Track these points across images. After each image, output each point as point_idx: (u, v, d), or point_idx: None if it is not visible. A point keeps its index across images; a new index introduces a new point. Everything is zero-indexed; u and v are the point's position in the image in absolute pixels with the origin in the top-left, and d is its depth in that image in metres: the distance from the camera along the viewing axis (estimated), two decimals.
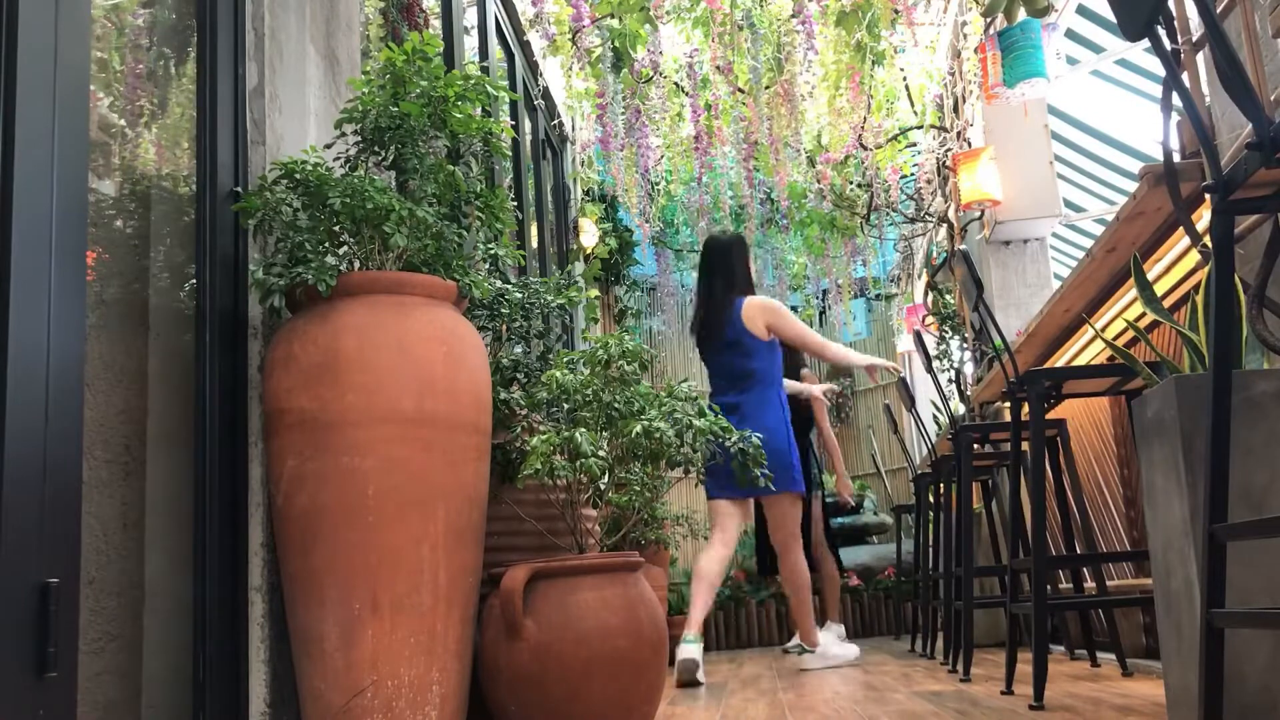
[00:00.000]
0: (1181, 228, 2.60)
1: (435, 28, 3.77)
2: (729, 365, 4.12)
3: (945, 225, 6.17)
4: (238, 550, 1.94)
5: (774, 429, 4.00)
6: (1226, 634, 1.41)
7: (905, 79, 5.99)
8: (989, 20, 4.82)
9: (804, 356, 5.24)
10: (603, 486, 2.46)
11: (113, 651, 1.67)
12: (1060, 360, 3.82)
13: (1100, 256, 2.89)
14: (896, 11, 5.20)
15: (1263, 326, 1.67)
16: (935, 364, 5.25)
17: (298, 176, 2.03)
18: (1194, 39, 2.49)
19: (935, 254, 6.78)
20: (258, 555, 1.96)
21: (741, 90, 5.70)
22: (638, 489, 2.44)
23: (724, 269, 4.25)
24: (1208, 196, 1.39)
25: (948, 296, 6.00)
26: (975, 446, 3.49)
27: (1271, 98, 2.21)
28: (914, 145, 6.65)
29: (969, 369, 5.72)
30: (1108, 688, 2.65)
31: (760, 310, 4.14)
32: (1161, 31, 1.40)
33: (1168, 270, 2.87)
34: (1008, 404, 4.44)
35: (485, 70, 4.47)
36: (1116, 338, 3.34)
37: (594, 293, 6.88)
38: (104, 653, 1.64)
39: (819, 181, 6.63)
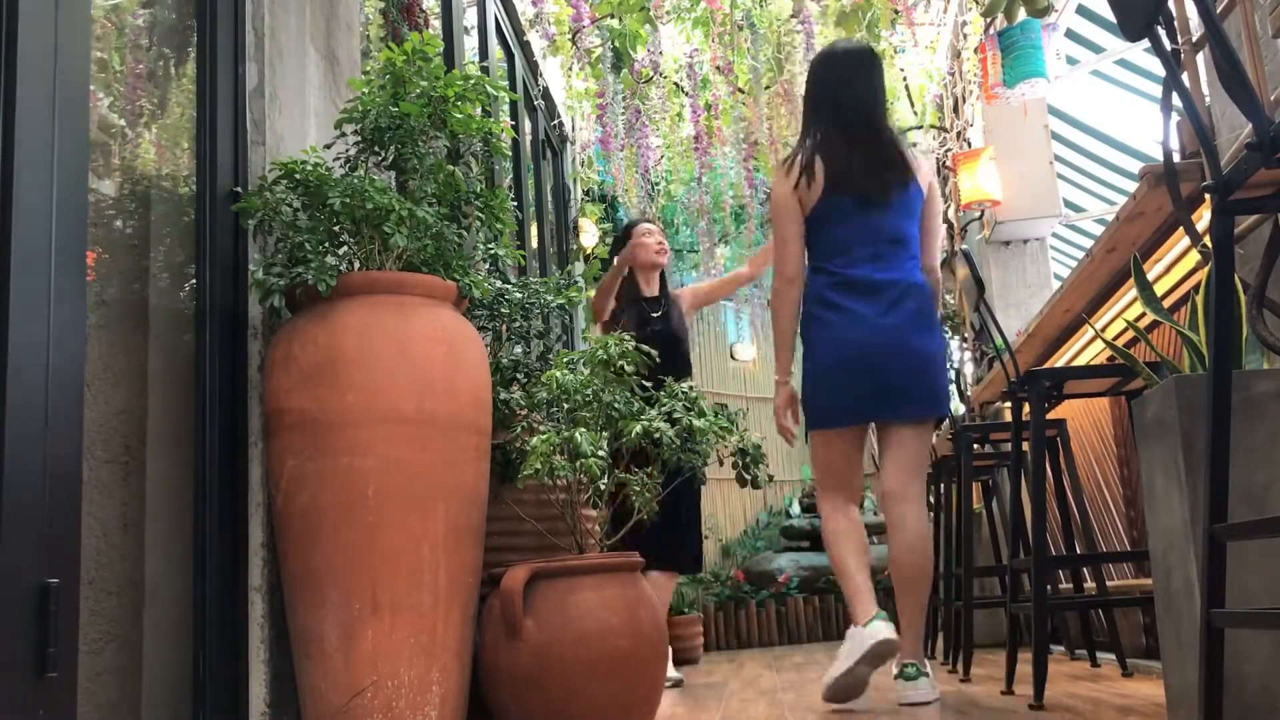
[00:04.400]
0: (1181, 228, 2.60)
1: (435, 28, 3.77)
2: (884, 228, 2.77)
3: (945, 225, 6.17)
4: (238, 550, 1.94)
5: (938, 332, 2.82)
6: (1226, 634, 1.41)
7: (905, 79, 5.99)
8: (989, 20, 4.82)
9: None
10: (602, 486, 2.46)
11: (113, 651, 1.67)
12: (1060, 360, 3.82)
13: (1100, 256, 2.89)
14: (896, 11, 5.20)
15: (1263, 326, 1.67)
16: None
17: (298, 176, 2.03)
18: (1194, 39, 2.49)
19: None
20: (258, 555, 1.96)
21: (741, 90, 5.70)
22: (638, 489, 2.44)
23: (877, 90, 2.89)
24: (1208, 196, 1.39)
25: (948, 297, 6.00)
26: (975, 446, 3.49)
27: (1271, 98, 2.21)
28: (914, 145, 6.64)
29: (969, 369, 5.71)
30: (1108, 688, 2.65)
31: (928, 162, 2.92)
32: (1161, 31, 1.40)
33: (1168, 270, 2.87)
34: (1008, 404, 4.44)
35: (485, 70, 4.47)
36: (1116, 338, 3.34)
37: (594, 293, 6.87)
38: (104, 653, 1.64)
39: None
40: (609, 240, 7.11)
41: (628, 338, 2.50)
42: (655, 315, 4.00)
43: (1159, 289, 2.91)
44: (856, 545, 2.75)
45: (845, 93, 2.85)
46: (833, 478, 2.83)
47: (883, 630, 2.57)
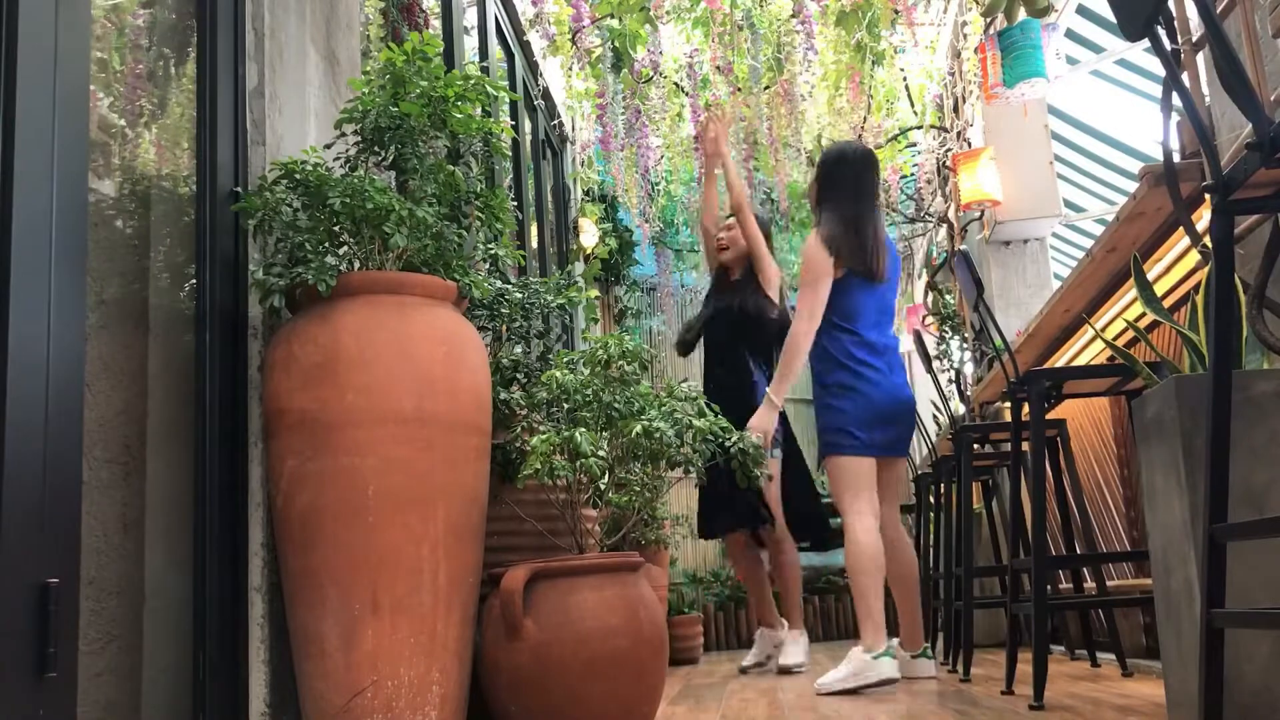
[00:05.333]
0: (1181, 228, 2.60)
1: (435, 28, 3.77)
2: (886, 302, 3.55)
3: (945, 225, 6.17)
4: (238, 550, 1.94)
5: None
6: (1226, 634, 1.41)
7: (905, 79, 5.99)
8: (989, 20, 4.82)
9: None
10: (603, 486, 2.46)
11: (113, 651, 1.67)
12: (1060, 360, 3.82)
13: (1100, 256, 2.89)
14: (896, 11, 5.20)
15: (1263, 326, 1.67)
16: (935, 364, 5.25)
17: (298, 176, 2.03)
18: (1194, 39, 2.49)
19: (935, 254, 6.78)
20: (258, 555, 1.96)
21: (741, 90, 5.70)
22: (638, 489, 2.44)
23: (874, 191, 3.59)
24: (1208, 196, 1.39)
25: (948, 296, 6.00)
26: (975, 446, 3.49)
27: (1271, 98, 2.21)
28: (914, 145, 6.64)
29: (969, 369, 5.71)
30: (1108, 688, 2.65)
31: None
32: (1161, 31, 1.40)
33: (1168, 270, 2.87)
34: (1008, 404, 4.44)
35: (485, 70, 4.47)
36: (1116, 338, 3.34)
37: (594, 293, 6.87)
38: (104, 653, 1.64)
39: None
40: (609, 240, 7.12)
41: (628, 337, 2.51)
42: (723, 293, 4.53)
43: (1159, 289, 2.91)
44: (879, 572, 3.25)
45: (862, 196, 3.51)
46: (861, 486, 3.35)
47: (891, 670, 3.10)
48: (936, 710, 2.44)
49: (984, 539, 4.59)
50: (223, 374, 1.96)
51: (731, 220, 4.55)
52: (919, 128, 6.16)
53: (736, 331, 4.38)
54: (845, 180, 3.53)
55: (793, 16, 5.31)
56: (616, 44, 5.34)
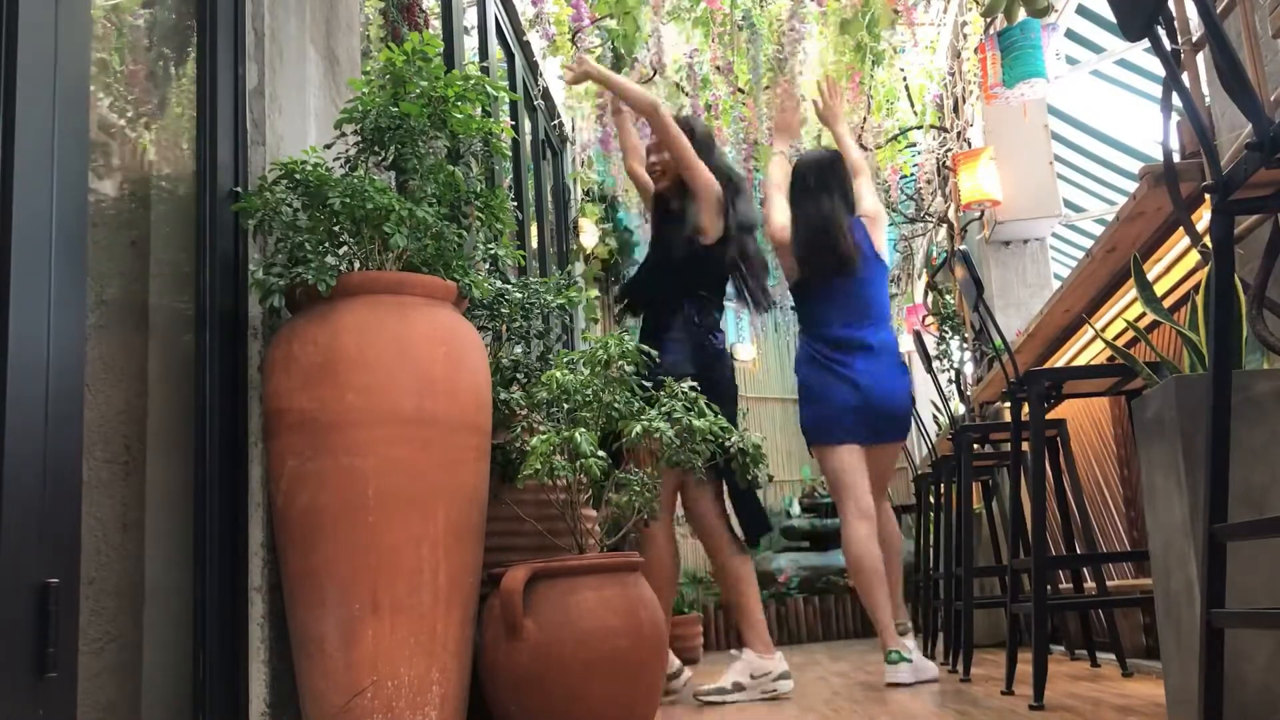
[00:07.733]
0: (1181, 228, 2.60)
1: (435, 28, 3.77)
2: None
3: (945, 225, 6.17)
4: (238, 550, 1.94)
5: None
6: (1226, 634, 1.41)
7: (905, 79, 5.98)
8: (989, 20, 4.82)
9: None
10: (603, 487, 2.46)
11: (113, 651, 1.67)
12: (1060, 360, 3.82)
13: (1100, 256, 2.89)
14: (896, 12, 5.20)
15: (1263, 326, 1.67)
16: (935, 364, 5.25)
17: (298, 177, 2.03)
18: (1194, 39, 2.49)
19: (935, 254, 6.78)
20: (258, 555, 1.96)
21: (741, 90, 5.70)
22: (637, 489, 2.44)
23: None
24: (1208, 196, 1.39)
25: (948, 296, 6.00)
26: (975, 446, 3.49)
27: (1271, 98, 2.21)
28: (914, 145, 6.64)
29: (969, 369, 5.71)
30: (1108, 688, 2.65)
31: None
32: (1161, 31, 1.40)
33: (1168, 270, 2.87)
34: (1008, 404, 4.44)
35: (485, 70, 4.47)
36: (1116, 338, 3.34)
37: (594, 293, 6.87)
38: (104, 653, 1.64)
39: None
40: (609, 240, 7.11)
41: (628, 337, 2.51)
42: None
43: (1159, 289, 2.91)
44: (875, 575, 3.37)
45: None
46: (848, 482, 3.42)
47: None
48: (936, 710, 2.44)
49: (984, 539, 4.59)
50: (223, 374, 1.96)
51: (654, 142, 3.57)
52: (919, 128, 6.16)
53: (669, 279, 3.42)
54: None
55: (791, 17, 5.31)
56: (616, 44, 5.34)
